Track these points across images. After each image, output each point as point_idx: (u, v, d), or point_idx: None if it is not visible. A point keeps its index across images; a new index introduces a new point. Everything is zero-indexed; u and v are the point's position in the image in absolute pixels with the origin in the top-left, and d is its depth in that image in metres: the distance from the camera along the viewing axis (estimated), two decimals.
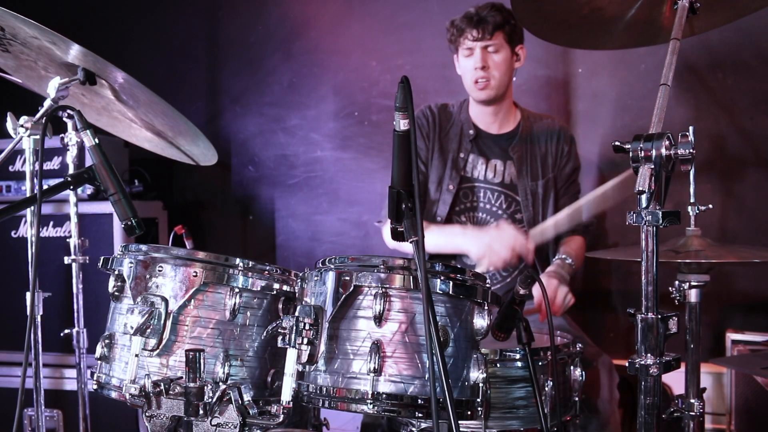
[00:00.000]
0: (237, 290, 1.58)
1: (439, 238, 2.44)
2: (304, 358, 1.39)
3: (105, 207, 2.88)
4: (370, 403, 1.37)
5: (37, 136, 1.89)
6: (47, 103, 1.80)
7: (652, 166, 1.23)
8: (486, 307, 1.47)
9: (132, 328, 1.51)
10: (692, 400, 1.69)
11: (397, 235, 1.37)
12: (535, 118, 2.64)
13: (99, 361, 1.62)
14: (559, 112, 3.14)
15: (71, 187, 1.65)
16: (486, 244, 2.28)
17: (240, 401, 1.43)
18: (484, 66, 2.43)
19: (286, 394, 1.43)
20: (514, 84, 2.58)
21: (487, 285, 1.50)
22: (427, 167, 2.57)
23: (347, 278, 1.40)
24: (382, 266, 1.41)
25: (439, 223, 2.53)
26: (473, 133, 2.57)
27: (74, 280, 2.30)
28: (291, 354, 1.41)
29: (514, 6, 1.99)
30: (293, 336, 1.39)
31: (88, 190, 2.92)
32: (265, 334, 1.49)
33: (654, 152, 1.23)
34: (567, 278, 2.37)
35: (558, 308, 2.29)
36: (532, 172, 2.55)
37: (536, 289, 2.21)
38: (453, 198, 2.53)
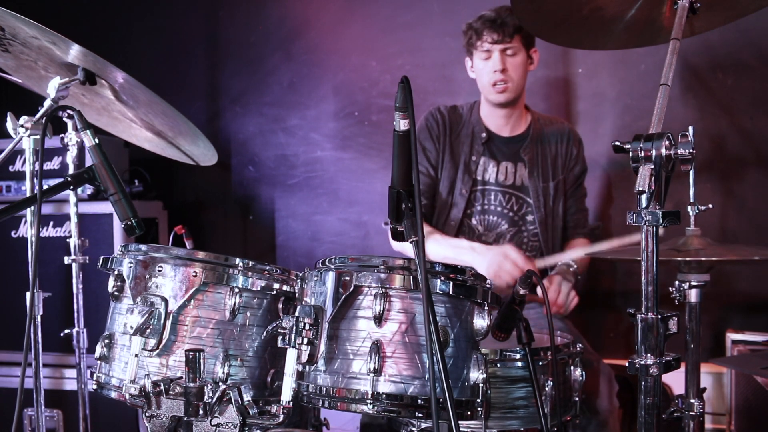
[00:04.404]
0: (237, 290, 1.57)
1: (447, 251, 2.45)
2: (304, 358, 1.39)
3: (105, 207, 2.88)
4: (370, 403, 1.37)
5: (37, 136, 1.89)
6: (47, 103, 1.80)
7: (652, 166, 1.23)
8: (486, 308, 1.46)
9: (132, 328, 1.51)
10: (692, 400, 1.69)
11: (396, 235, 1.37)
12: (545, 120, 2.65)
13: (99, 361, 1.62)
14: (560, 112, 3.15)
15: (71, 187, 1.65)
16: (494, 267, 2.27)
17: (240, 401, 1.43)
18: (503, 69, 2.43)
19: (286, 394, 1.43)
20: None
21: (487, 285, 1.50)
22: (437, 170, 2.57)
23: (347, 278, 1.40)
24: (382, 266, 1.41)
25: (453, 227, 2.53)
26: (485, 136, 2.57)
27: (74, 280, 2.30)
28: (291, 354, 1.41)
29: (514, 6, 1.99)
30: (293, 336, 1.39)
31: (88, 190, 2.92)
32: (265, 334, 1.49)
33: (654, 152, 1.22)
34: (571, 281, 2.38)
35: (561, 305, 2.29)
36: (543, 173, 2.56)
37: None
38: (465, 202, 2.53)
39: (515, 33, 2.42)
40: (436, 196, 2.57)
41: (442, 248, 2.45)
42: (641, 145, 1.23)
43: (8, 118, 1.89)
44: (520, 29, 2.42)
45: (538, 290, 2.16)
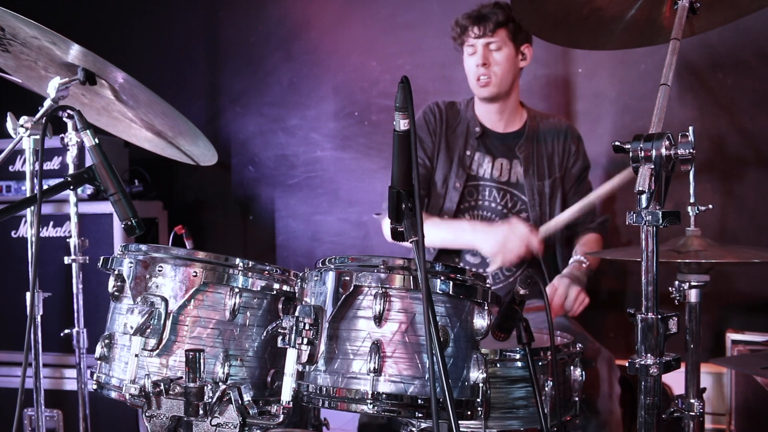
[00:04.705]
0: (237, 290, 1.58)
1: (447, 234, 2.45)
2: (304, 358, 1.39)
3: (105, 207, 2.88)
4: (370, 403, 1.37)
5: (37, 136, 1.89)
6: (47, 103, 1.80)
7: (652, 166, 1.23)
8: (486, 307, 1.46)
9: (132, 328, 1.51)
10: (692, 400, 1.69)
11: (397, 236, 1.37)
12: (541, 117, 2.64)
13: (99, 361, 1.62)
14: (560, 112, 3.14)
15: (71, 187, 1.65)
16: (500, 242, 2.29)
17: (240, 401, 1.43)
18: (485, 63, 2.44)
19: (286, 394, 1.43)
20: None
21: (488, 285, 1.50)
22: (432, 163, 2.57)
23: (347, 278, 1.40)
24: (382, 266, 1.41)
25: (447, 219, 2.53)
26: (479, 131, 2.57)
27: (74, 280, 2.30)
28: (291, 354, 1.41)
29: (514, 6, 2.00)
30: (293, 336, 1.39)
31: (88, 190, 2.92)
32: (265, 334, 1.49)
33: (654, 152, 1.22)
34: (583, 280, 2.37)
35: (569, 307, 2.28)
36: (539, 171, 2.55)
37: (548, 288, 2.24)
38: (459, 196, 2.53)
39: (497, 27, 2.42)
40: (431, 188, 2.58)
41: (441, 231, 2.45)
42: (641, 145, 1.23)
43: (8, 118, 1.89)
44: (504, 24, 2.42)
45: (547, 290, 2.18)
